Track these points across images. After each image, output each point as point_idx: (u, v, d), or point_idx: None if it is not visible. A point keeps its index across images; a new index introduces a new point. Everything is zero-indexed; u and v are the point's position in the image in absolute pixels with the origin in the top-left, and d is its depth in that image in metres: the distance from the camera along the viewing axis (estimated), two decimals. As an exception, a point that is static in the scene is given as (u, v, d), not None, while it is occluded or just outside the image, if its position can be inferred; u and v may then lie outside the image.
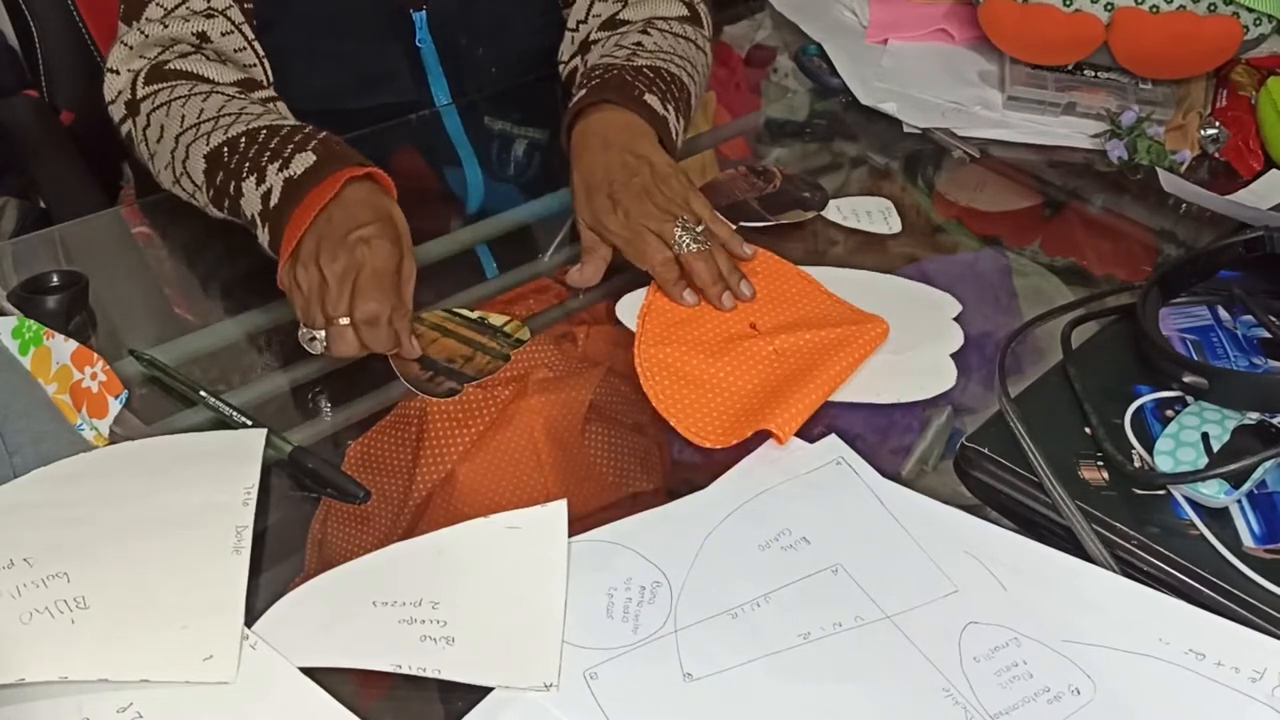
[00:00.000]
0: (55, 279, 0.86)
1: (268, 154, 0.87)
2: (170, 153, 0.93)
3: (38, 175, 1.26)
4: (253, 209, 0.86)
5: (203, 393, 0.80)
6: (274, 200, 0.85)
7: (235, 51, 0.99)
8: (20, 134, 1.28)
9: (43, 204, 1.29)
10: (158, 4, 0.98)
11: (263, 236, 0.86)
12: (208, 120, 0.91)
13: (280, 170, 0.85)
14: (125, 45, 0.99)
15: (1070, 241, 1.05)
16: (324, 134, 0.88)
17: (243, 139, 0.88)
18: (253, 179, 0.86)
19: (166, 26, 0.98)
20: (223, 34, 0.99)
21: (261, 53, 1.01)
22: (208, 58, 0.98)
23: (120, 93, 0.99)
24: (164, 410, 0.80)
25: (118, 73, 0.99)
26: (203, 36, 0.98)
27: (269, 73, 1.01)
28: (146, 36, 0.98)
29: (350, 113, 1.05)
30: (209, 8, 0.98)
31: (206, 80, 0.96)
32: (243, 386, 0.84)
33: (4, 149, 1.32)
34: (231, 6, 0.99)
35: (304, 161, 0.85)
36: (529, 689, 0.61)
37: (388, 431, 0.80)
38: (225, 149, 0.88)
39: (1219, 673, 0.63)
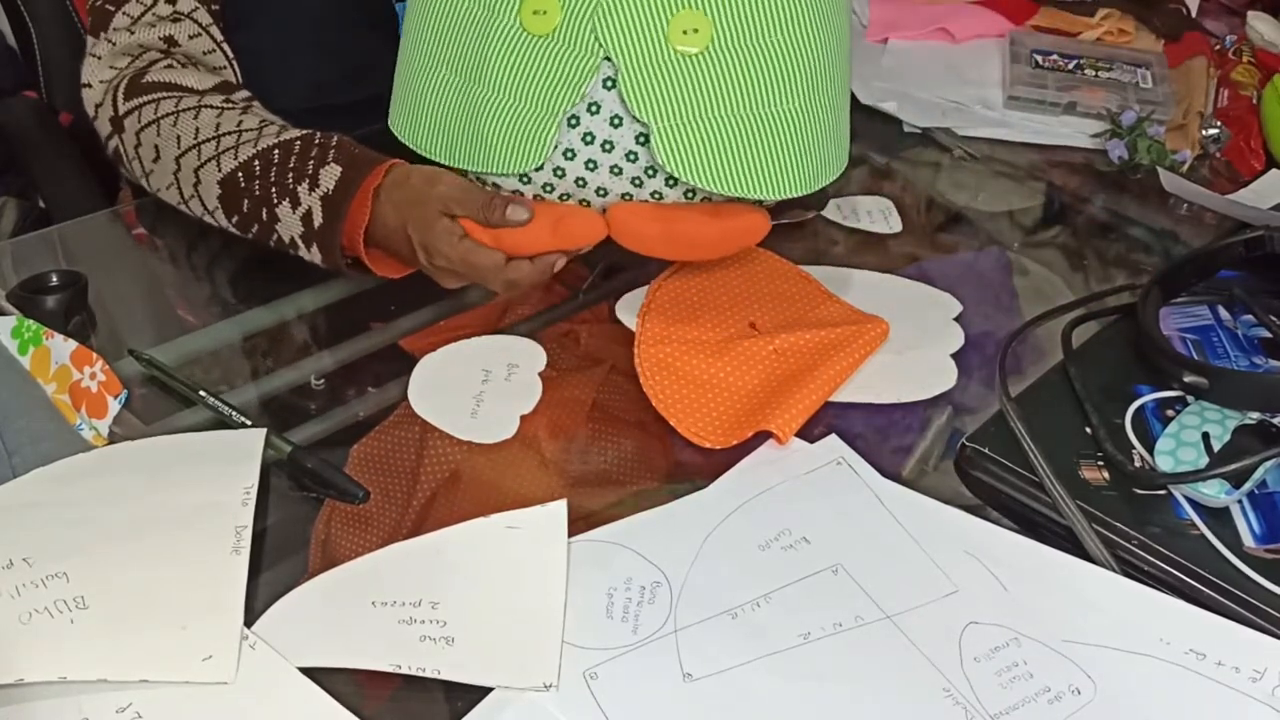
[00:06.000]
0: (54, 279, 0.86)
1: (291, 174, 0.86)
2: (174, 175, 0.92)
3: (37, 175, 1.26)
4: (292, 232, 0.86)
5: (202, 393, 0.80)
6: (318, 220, 0.85)
7: (204, 54, 0.99)
8: (20, 134, 1.28)
9: (42, 204, 1.29)
10: (124, 13, 0.97)
11: (310, 255, 0.87)
12: (208, 141, 0.91)
13: (311, 190, 0.85)
14: (95, 57, 0.98)
15: (1070, 241, 1.05)
16: (335, 139, 0.88)
17: (256, 163, 0.87)
18: (286, 203, 0.86)
19: (133, 34, 0.97)
20: (190, 37, 0.98)
21: (231, 54, 1.00)
22: (180, 63, 0.98)
23: (99, 106, 0.98)
24: (163, 410, 0.80)
25: (90, 86, 0.99)
26: (170, 41, 0.97)
27: (238, 74, 1.01)
28: (114, 45, 0.97)
29: (332, 108, 1.04)
30: (175, 11, 0.98)
31: (188, 90, 0.96)
32: (243, 386, 0.84)
33: (4, 149, 1.32)
34: (198, 9, 0.98)
35: (331, 175, 0.85)
36: (529, 689, 0.61)
37: (391, 432, 0.80)
38: (240, 174, 0.88)
39: (1219, 673, 0.63)
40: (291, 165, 0.86)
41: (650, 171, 0.78)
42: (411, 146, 0.83)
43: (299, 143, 0.88)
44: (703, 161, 0.77)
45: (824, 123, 0.80)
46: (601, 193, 0.80)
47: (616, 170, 0.78)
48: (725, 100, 0.76)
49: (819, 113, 0.80)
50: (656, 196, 0.80)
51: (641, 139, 0.77)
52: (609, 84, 0.76)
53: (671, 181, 0.79)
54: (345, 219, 0.83)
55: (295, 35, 1.03)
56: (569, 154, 0.78)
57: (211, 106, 0.93)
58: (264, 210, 0.87)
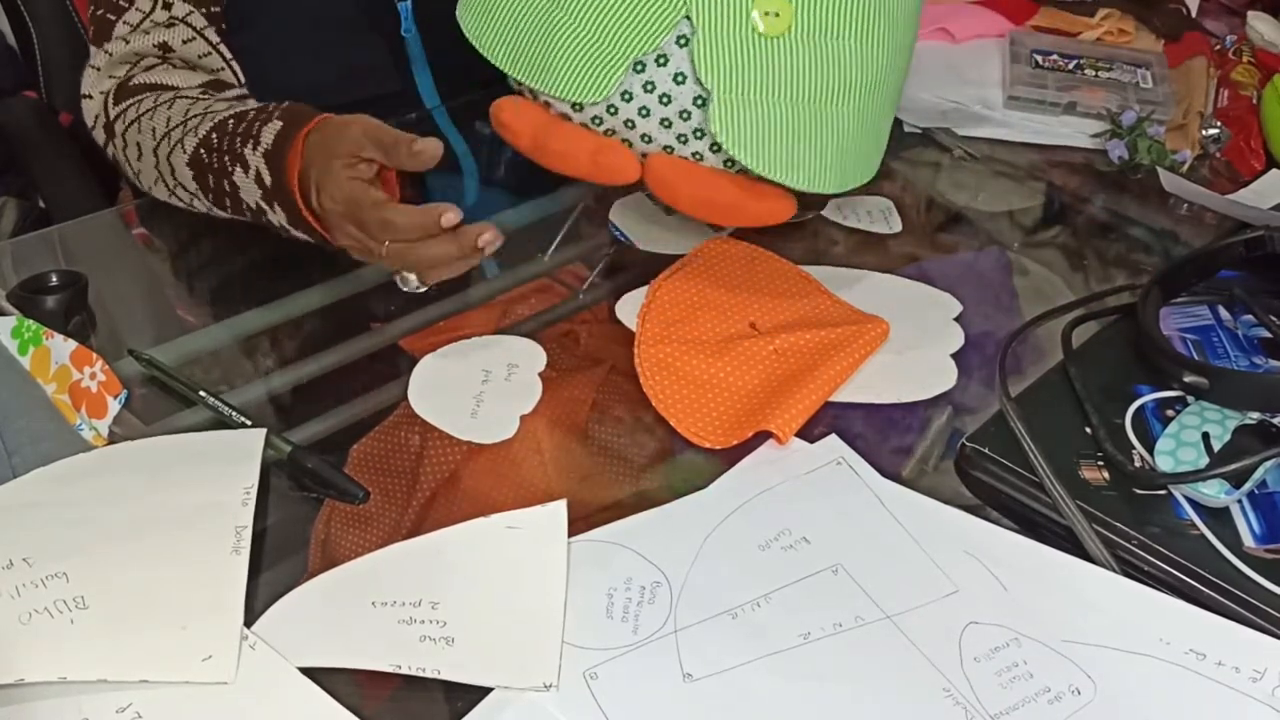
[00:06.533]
0: (54, 279, 0.86)
1: (239, 139, 0.87)
2: (154, 168, 0.93)
3: (37, 175, 1.26)
4: (254, 197, 0.87)
5: (202, 393, 0.80)
6: (267, 179, 0.85)
7: (200, 58, 0.99)
8: (20, 134, 1.28)
9: (42, 204, 1.30)
10: (124, 22, 0.98)
11: (278, 216, 0.86)
12: (176, 127, 0.91)
13: (254, 149, 0.85)
14: (94, 68, 0.99)
15: (1070, 241, 1.05)
16: (285, 102, 0.88)
17: (213, 134, 0.88)
18: (239, 169, 0.86)
19: (129, 43, 0.97)
20: (184, 41, 0.98)
21: (229, 55, 1.00)
22: (174, 66, 0.98)
23: (97, 116, 0.99)
24: (163, 410, 0.80)
25: (90, 96, 0.99)
26: (165, 47, 0.98)
27: (239, 74, 1.01)
28: (112, 55, 0.98)
29: (334, 109, 1.05)
30: (170, 17, 0.98)
31: (170, 88, 0.96)
32: (243, 386, 0.84)
33: (4, 149, 1.32)
34: (192, 13, 0.98)
35: (272, 130, 0.85)
36: (529, 689, 0.61)
37: (391, 432, 0.80)
38: (202, 150, 0.88)
39: (1219, 673, 0.63)
40: (240, 130, 0.87)
41: (698, 133, 0.80)
42: (474, 44, 0.84)
43: (252, 111, 0.88)
44: (752, 140, 0.78)
45: (870, 131, 0.84)
46: (646, 139, 0.81)
47: (666, 123, 0.80)
48: (788, 88, 0.78)
49: (869, 121, 0.83)
50: (697, 157, 0.82)
51: (699, 101, 0.79)
52: (682, 41, 0.78)
53: (715, 148, 0.80)
54: (287, 171, 0.83)
55: (296, 36, 1.03)
56: (626, 96, 0.80)
57: (185, 97, 0.94)
58: (226, 181, 0.87)
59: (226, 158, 0.87)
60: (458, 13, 0.86)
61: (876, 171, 0.87)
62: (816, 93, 0.79)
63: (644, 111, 0.80)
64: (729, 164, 0.82)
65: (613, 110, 0.80)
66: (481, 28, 0.84)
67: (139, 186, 0.98)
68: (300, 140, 0.84)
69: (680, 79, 0.78)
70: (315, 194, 0.82)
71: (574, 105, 0.81)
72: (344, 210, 0.81)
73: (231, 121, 0.88)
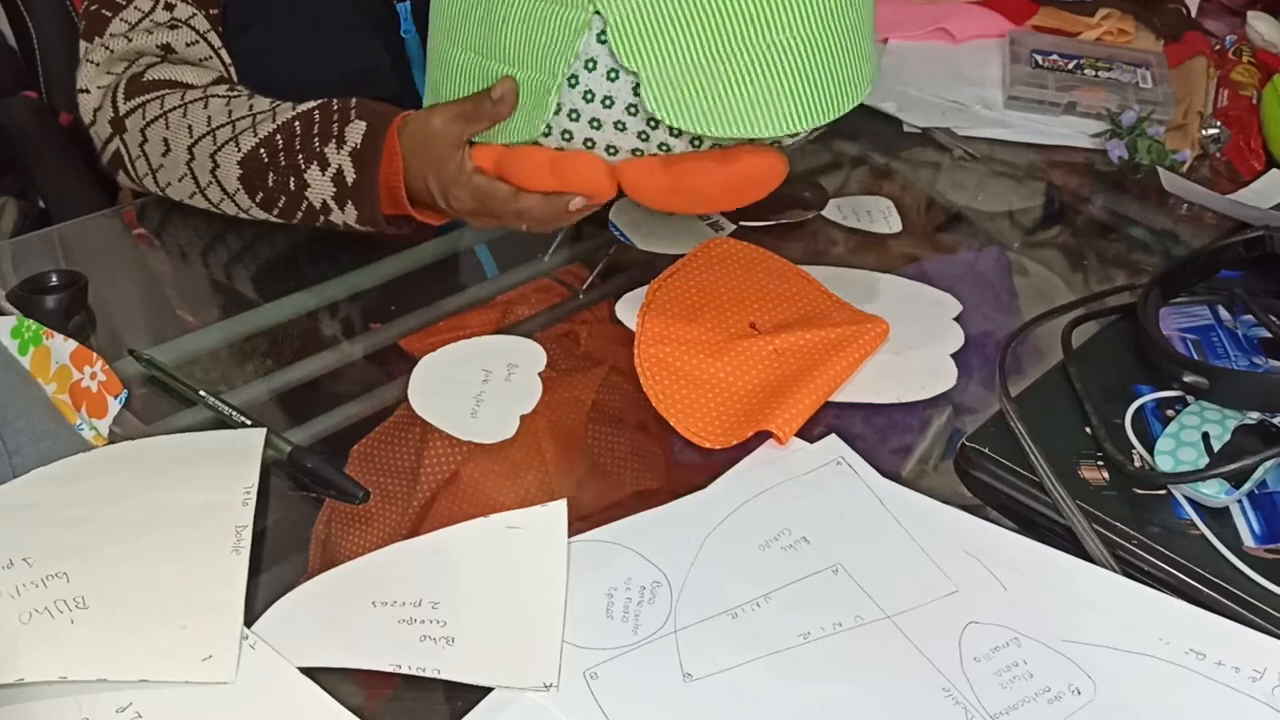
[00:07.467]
0: (54, 279, 0.86)
1: (316, 139, 0.88)
2: (187, 165, 0.93)
3: (37, 175, 1.26)
4: (324, 195, 0.88)
5: (202, 392, 0.80)
6: (350, 177, 0.86)
7: (201, 61, 0.99)
8: (20, 134, 1.28)
9: (42, 204, 1.29)
10: (121, 19, 0.97)
11: (344, 215, 0.88)
12: (222, 126, 0.91)
13: (339, 148, 0.87)
14: (92, 63, 0.98)
15: (1070, 241, 1.05)
16: (353, 100, 0.90)
17: (278, 136, 0.89)
18: (315, 167, 0.88)
19: (131, 41, 0.97)
20: (188, 44, 0.98)
21: (229, 59, 1.00)
22: (174, 65, 0.98)
23: (98, 110, 0.98)
24: (163, 410, 0.80)
25: (88, 92, 0.99)
26: (167, 48, 0.97)
27: (235, 79, 1.01)
28: (112, 52, 0.97)
29: None
30: (172, 19, 0.98)
31: (189, 85, 0.96)
32: (242, 386, 0.84)
33: (4, 149, 1.32)
34: (195, 15, 0.98)
35: (357, 130, 0.87)
36: (529, 689, 0.61)
37: (391, 432, 0.80)
38: (262, 150, 0.89)
39: (1219, 673, 0.63)
40: (315, 131, 0.88)
41: (653, 123, 0.77)
42: None
43: (318, 110, 0.90)
44: (696, 106, 0.74)
45: (838, 45, 0.76)
46: (612, 151, 0.79)
47: (620, 126, 0.77)
48: (717, 37, 0.73)
49: (830, 36, 0.75)
50: (664, 149, 0.78)
51: (638, 90, 0.76)
52: (602, 37, 0.75)
53: (676, 132, 0.77)
54: (380, 169, 0.85)
55: (295, 37, 1.03)
56: (573, 115, 0.77)
57: (218, 96, 0.94)
58: (291, 179, 0.88)
59: (300, 157, 0.88)
60: (425, 103, 0.87)
61: (871, 84, 0.80)
62: (748, 32, 0.73)
63: (595, 123, 0.77)
64: (696, 143, 0.78)
65: (568, 135, 0.78)
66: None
67: (143, 184, 0.97)
68: (394, 139, 0.85)
69: (613, 75, 0.75)
70: (440, 196, 0.84)
71: (533, 144, 0.80)
72: (476, 207, 0.83)
73: (299, 123, 0.89)
